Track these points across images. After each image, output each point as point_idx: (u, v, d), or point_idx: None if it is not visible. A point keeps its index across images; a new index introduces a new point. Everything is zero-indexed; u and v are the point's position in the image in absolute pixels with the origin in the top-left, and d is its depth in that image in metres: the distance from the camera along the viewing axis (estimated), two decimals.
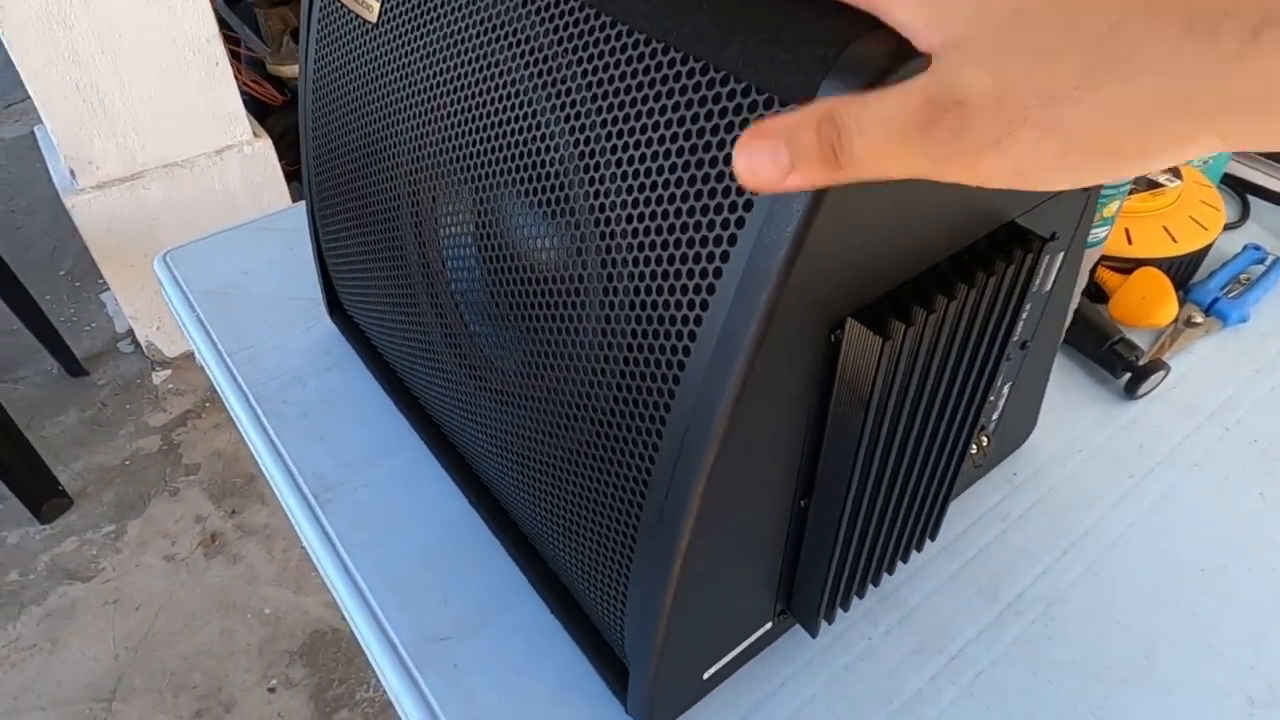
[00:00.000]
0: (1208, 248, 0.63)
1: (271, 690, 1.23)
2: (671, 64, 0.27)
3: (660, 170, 0.28)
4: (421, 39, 0.39)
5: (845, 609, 0.43)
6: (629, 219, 0.29)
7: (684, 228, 0.28)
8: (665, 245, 0.28)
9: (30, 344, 1.66)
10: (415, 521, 0.50)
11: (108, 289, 1.80)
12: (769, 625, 0.42)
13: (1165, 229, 0.62)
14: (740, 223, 0.26)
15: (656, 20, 0.28)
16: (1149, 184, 0.64)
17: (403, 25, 0.40)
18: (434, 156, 0.40)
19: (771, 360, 0.28)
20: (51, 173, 1.55)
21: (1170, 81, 0.17)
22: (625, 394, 0.32)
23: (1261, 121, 0.18)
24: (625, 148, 0.29)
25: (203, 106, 1.54)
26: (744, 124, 0.25)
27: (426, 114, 0.40)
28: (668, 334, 0.29)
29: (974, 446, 0.47)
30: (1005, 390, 0.46)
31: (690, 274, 0.28)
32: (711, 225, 0.27)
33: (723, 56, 0.26)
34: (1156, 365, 0.56)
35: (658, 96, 0.28)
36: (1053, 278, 0.41)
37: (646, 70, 0.28)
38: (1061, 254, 0.40)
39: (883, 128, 0.20)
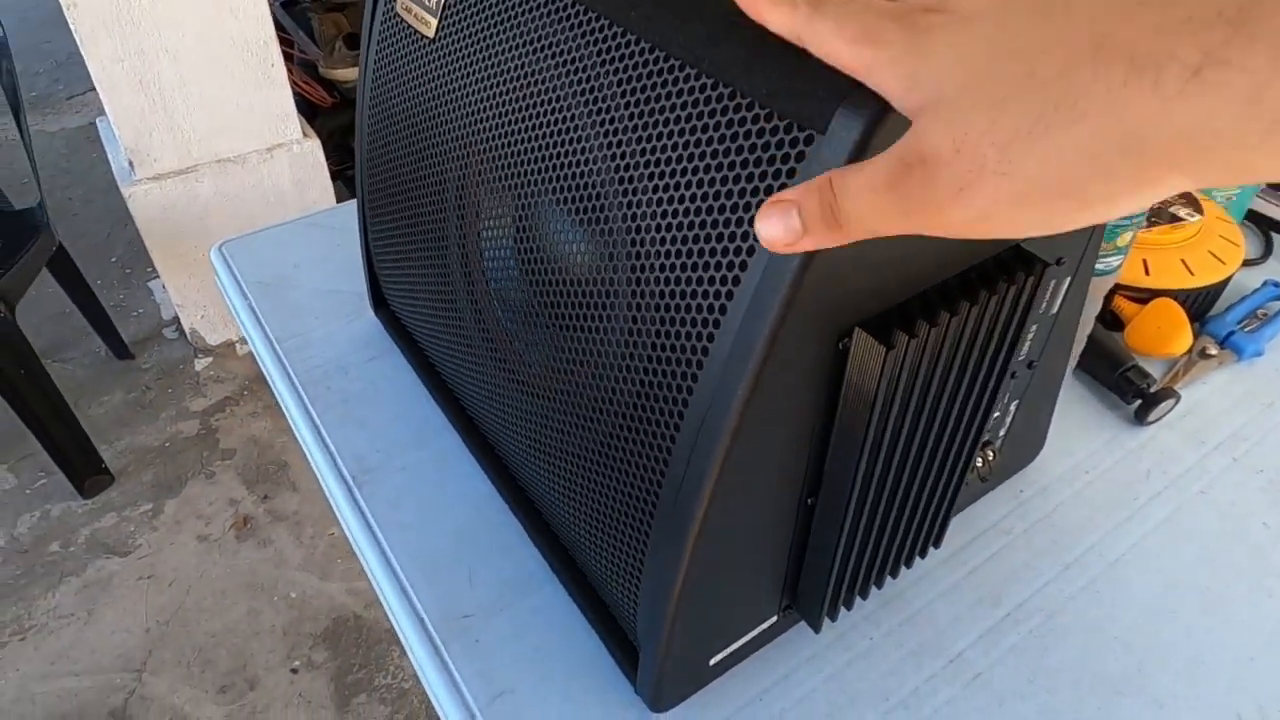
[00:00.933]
0: (1225, 282, 0.65)
1: (294, 671, 1.27)
2: (703, 89, 0.30)
3: (690, 184, 0.31)
4: (474, 56, 0.42)
5: (848, 608, 0.45)
6: (659, 228, 0.32)
7: (708, 238, 0.30)
8: (692, 253, 0.31)
9: (81, 327, 1.72)
10: (446, 506, 0.53)
11: (156, 277, 1.86)
12: (774, 619, 0.44)
13: (1183, 261, 0.64)
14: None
15: (693, 49, 0.31)
16: (1170, 218, 0.65)
17: (457, 42, 0.44)
18: (480, 164, 0.43)
19: (782, 362, 0.30)
20: (111, 163, 1.62)
21: (1116, 123, 0.18)
22: (648, 389, 0.35)
23: (1217, 158, 0.18)
24: (659, 162, 0.32)
25: (257, 105, 1.60)
26: (765, 146, 0.28)
27: (475, 125, 0.43)
28: (689, 334, 0.32)
29: (980, 461, 0.49)
30: (1013, 408, 0.48)
31: (713, 280, 0.30)
32: (734, 236, 0.29)
33: (751, 85, 0.28)
34: (1166, 393, 0.57)
35: (689, 118, 0.31)
36: (1059, 300, 0.43)
37: (680, 94, 0.31)
38: (1068, 278, 0.42)
39: (862, 189, 0.22)
